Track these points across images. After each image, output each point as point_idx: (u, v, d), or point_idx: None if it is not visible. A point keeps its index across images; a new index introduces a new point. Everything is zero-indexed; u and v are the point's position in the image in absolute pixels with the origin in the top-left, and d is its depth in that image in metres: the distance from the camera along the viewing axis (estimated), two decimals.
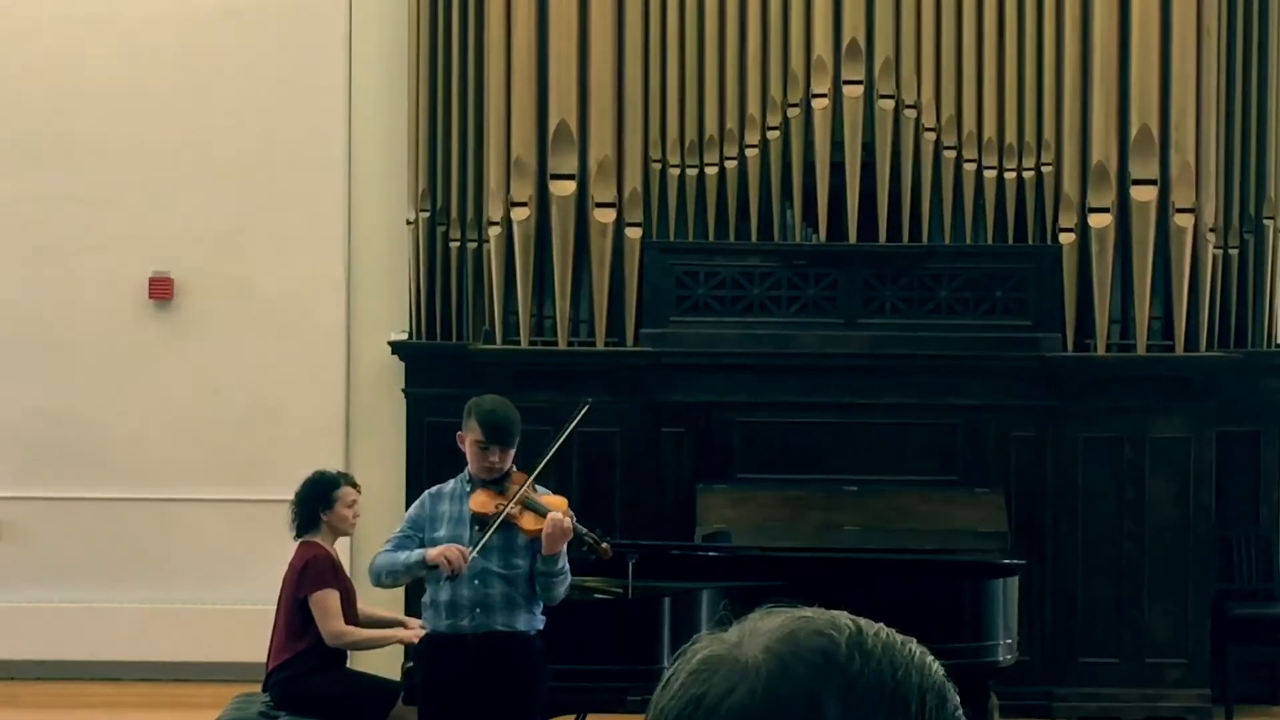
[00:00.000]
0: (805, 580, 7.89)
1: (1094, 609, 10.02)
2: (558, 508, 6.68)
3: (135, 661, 10.52)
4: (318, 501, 7.90)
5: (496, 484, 6.70)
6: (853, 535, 9.44)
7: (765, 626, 1.37)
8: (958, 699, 1.37)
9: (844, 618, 1.37)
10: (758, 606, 1.42)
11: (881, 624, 1.39)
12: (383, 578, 6.78)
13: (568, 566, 6.71)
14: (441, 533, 6.70)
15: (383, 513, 9.00)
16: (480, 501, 6.67)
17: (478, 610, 6.64)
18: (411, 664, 7.64)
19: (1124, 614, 10.02)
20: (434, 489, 6.89)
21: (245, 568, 10.39)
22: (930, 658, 1.38)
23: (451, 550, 6.57)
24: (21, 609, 10.61)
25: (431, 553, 6.60)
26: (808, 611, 1.38)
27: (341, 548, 8.36)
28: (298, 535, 7.92)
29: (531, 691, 6.71)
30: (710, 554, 8.72)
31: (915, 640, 1.39)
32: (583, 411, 7.22)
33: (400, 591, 8.91)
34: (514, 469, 6.76)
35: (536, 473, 6.83)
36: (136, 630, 10.54)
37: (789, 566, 8.23)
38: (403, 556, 6.67)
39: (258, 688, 8.04)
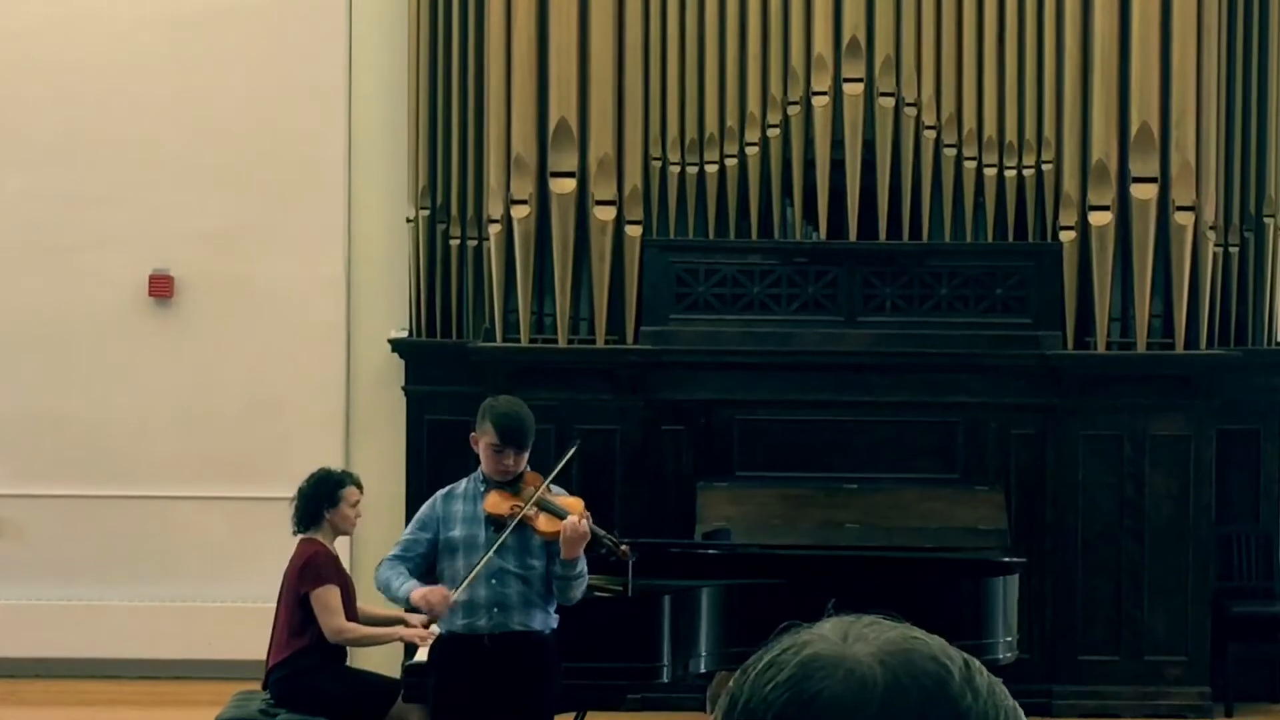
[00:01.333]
0: (806, 578, 7.89)
1: (1094, 607, 10.02)
2: (574, 509, 6.68)
3: (134, 659, 10.52)
4: (322, 499, 7.91)
5: (510, 485, 6.70)
6: (853, 533, 9.44)
7: (874, 635, 1.35)
8: None
9: (952, 649, 1.36)
10: (827, 605, 1.41)
11: (981, 663, 1.38)
12: (381, 592, 6.85)
13: (585, 569, 6.72)
14: (456, 532, 6.70)
15: (383, 510, 9.00)
16: (494, 502, 6.67)
17: (495, 610, 6.64)
18: (422, 662, 7.64)
19: (1124, 612, 10.02)
20: (445, 489, 6.88)
21: (245, 565, 10.39)
22: (1016, 703, 1.38)
23: (434, 595, 6.61)
24: (21, 606, 10.61)
25: (415, 595, 6.64)
26: (916, 631, 1.37)
27: (341, 545, 8.36)
28: (299, 530, 7.92)
29: (546, 691, 6.71)
30: (710, 552, 8.72)
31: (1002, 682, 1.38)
32: (571, 453, 7.20)
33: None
34: (528, 469, 6.76)
35: (552, 475, 6.82)
36: (136, 628, 10.54)
37: (789, 564, 8.23)
38: (395, 584, 6.71)
39: (257, 685, 8.04)
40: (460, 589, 6.65)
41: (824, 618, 1.39)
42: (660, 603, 7.51)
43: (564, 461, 7.01)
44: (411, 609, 6.73)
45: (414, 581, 6.73)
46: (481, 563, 6.59)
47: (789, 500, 9.71)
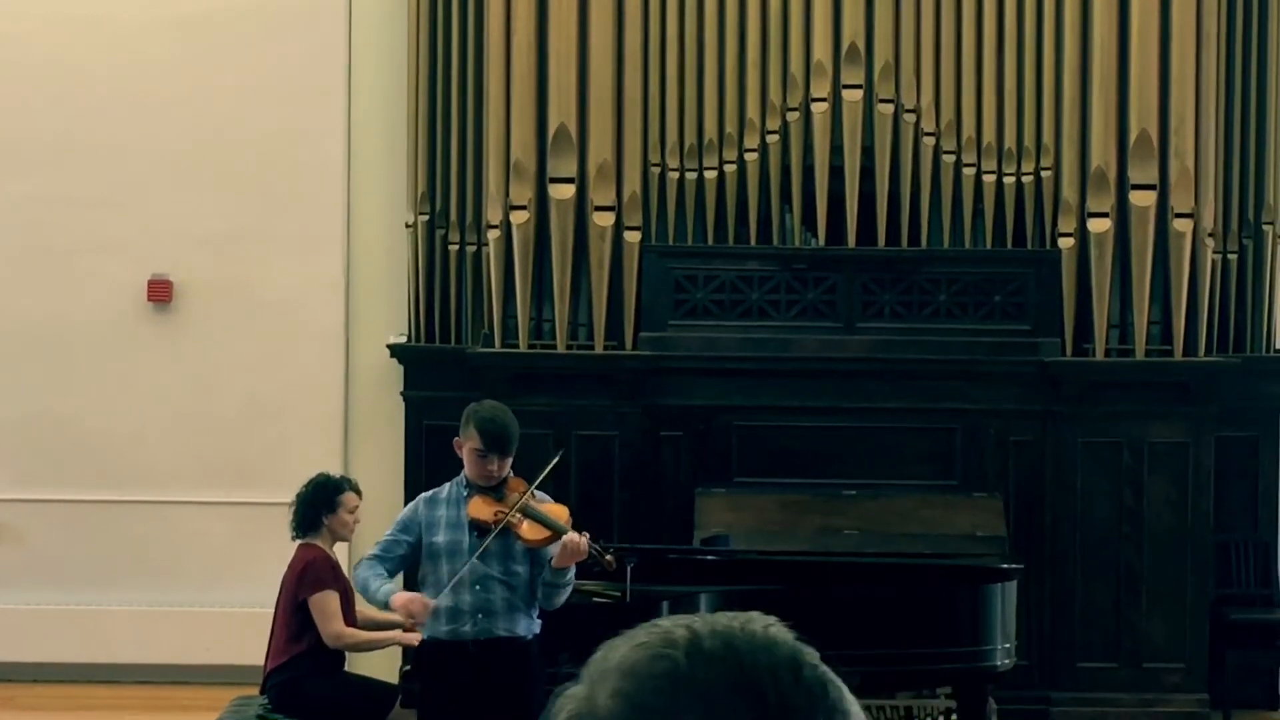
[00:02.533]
0: (804, 584, 7.89)
1: (1092, 613, 10.01)
2: (559, 516, 6.68)
3: (133, 664, 10.52)
4: (321, 504, 7.91)
5: (494, 490, 6.70)
6: (851, 539, 9.43)
7: (611, 664, 1.33)
8: (815, 655, 1.33)
9: (680, 628, 1.32)
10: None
11: (737, 618, 1.34)
12: (361, 593, 6.86)
13: (573, 576, 6.73)
14: (440, 537, 6.71)
15: (381, 515, 8.96)
16: (478, 508, 6.67)
17: (480, 615, 6.65)
18: (409, 668, 7.64)
19: (1122, 618, 10.02)
20: (428, 494, 6.89)
21: (244, 570, 10.38)
22: (776, 628, 1.33)
23: (415, 604, 6.62)
24: (19, 611, 10.61)
25: (395, 599, 6.65)
26: (643, 634, 1.33)
27: (340, 551, 8.36)
28: (297, 535, 7.93)
29: (531, 696, 6.71)
30: (709, 558, 8.72)
31: (757, 616, 1.34)
32: (555, 461, 7.22)
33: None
34: (512, 475, 6.76)
35: (537, 481, 6.82)
36: (135, 632, 10.54)
37: (787, 570, 8.23)
38: (374, 585, 6.72)
39: (256, 690, 8.04)
40: (442, 595, 6.66)
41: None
42: (659, 609, 7.51)
43: (548, 469, 7.01)
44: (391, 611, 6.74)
45: (393, 584, 6.74)
46: (465, 567, 6.59)
47: (788, 506, 9.71)
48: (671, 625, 1.33)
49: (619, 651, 1.34)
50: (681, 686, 1.29)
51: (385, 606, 6.76)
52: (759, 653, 1.31)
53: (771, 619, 1.35)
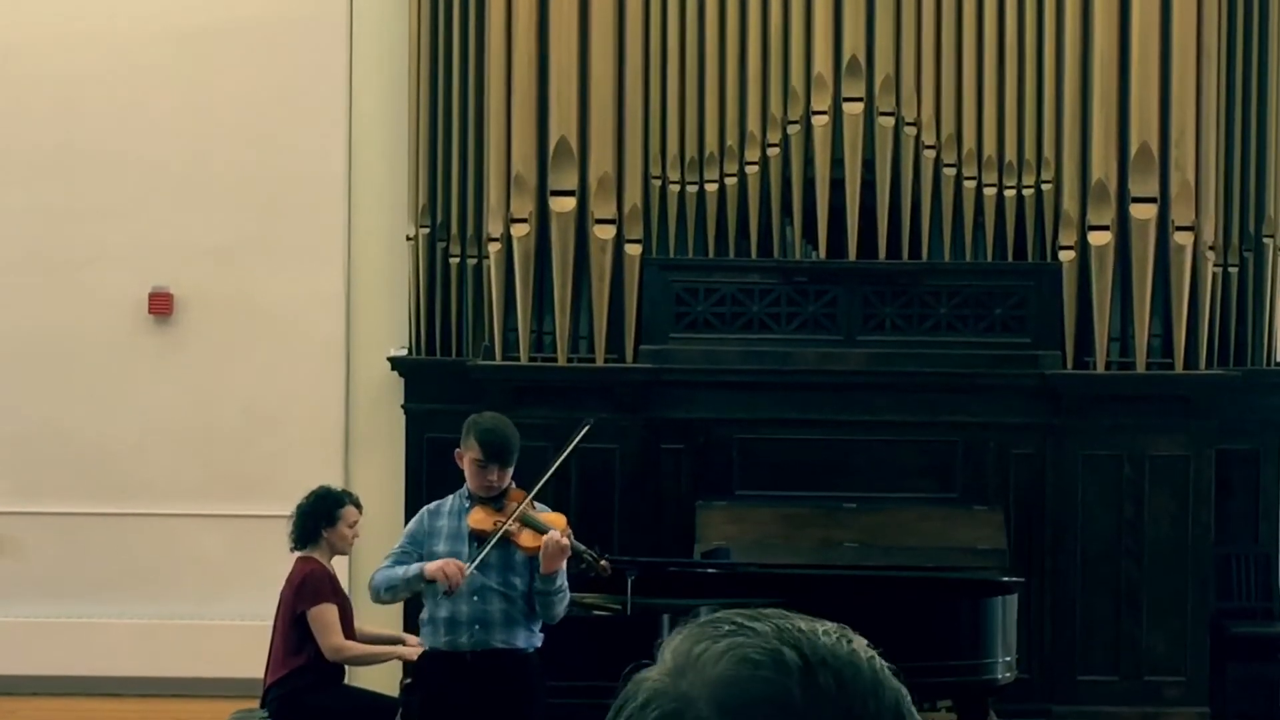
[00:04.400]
0: (804, 597, 7.89)
1: (1093, 627, 10.01)
2: (556, 525, 6.68)
3: (133, 677, 10.51)
4: (320, 517, 7.90)
5: (495, 501, 6.71)
6: (852, 552, 9.43)
7: (706, 667, 1.31)
8: (909, 698, 1.33)
9: (788, 647, 1.31)
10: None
11: (829, 639, 1.32)
12: (381, 593, 6.78)
13: (566, 585, 6.71)
14: (440, 548, 6.71)
15: (381, 528, 8.98)
16: (478, 519, 6.67)
17: (477, 627, 6.63)
18: (409, 680, 7.63)
19: (1123, 632, 10.01)
20: (432, 505, 6.90)
21: (244, 583, 10.37)
22: (877, 661, 1.33)
23: (450, 566, 6.57)
24: (20, 624, 10.60)
25: (429, 567, 6.61)
26: (747, 642, 1.32)
27: (340, 565, 8.36)
28: (295, 547, 7.92)
29: (530, 709, 6.71)
30: (709, 571, 8.72)
31: (864, 646, 1.34)
32: (584, 431, 7.23)
33: (399, 608, 8.90)
34: (513, 486, 6.76)
35: (535, 490, 6.83)
36: (135, 645, 10.53)
37: (788, 583, 8.23)
38: (400, 571, 6.68)
39: (255, 703, 8.03)
40: (440, 605, 6.65)
41: (656, 647, 1.37)
42: (659, 622, 7.51)
43: (545, 477, 7.02)
44: (428, 582, 6.64)
45: (417, 563, 6.70)
46: (489, 545, 6.58)
47: (788, 519, 9.71)
48: (782, 643, 1.31)
49: (715, 652, 1.31)
50: (781, 713, 1.28)
51: (420, 580, 6.67)
52: (869, 697, 1.31)
53: (862, 640, 1.34)
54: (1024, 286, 10.10)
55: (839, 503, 9.78)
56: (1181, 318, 10.06)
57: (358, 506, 8.01)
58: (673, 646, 1.34)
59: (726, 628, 1.33)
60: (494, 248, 10.17)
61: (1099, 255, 10.05)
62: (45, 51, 10.74)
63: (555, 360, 10.12)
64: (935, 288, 10.08)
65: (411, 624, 8.04)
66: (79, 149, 10.70)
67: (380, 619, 8.65)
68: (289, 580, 7.84)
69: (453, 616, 6.64)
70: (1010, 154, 10.21)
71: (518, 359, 10.12)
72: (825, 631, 1.33)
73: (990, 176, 10.20)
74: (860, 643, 1.34)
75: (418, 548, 6.77)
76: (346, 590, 8.24)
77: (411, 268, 10.46)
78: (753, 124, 10.26)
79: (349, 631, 7.83)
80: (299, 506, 7.96)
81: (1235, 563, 10.36)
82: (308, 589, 7.73)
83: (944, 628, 8.09)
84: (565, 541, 6.57)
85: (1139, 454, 10.03)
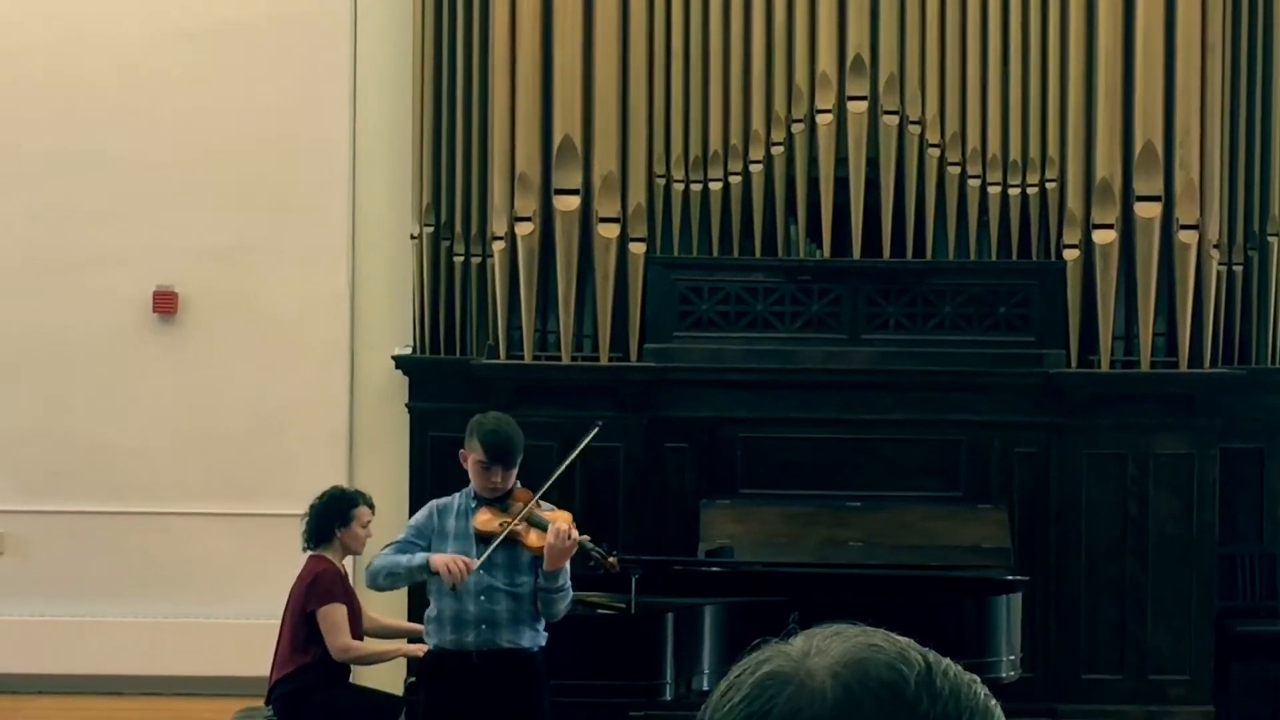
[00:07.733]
0: (808, 596, 7.89)
1: (1097, 626, 10.00)
2: (562, 523, 6.68)
3: (138, 675, 10.52)
4: (335, 517, 7.92)
5: (500, 501, 6.71)
6: (856, 551, 9.43)
7: (834, 648, 1.35)
8: None
9: (914, 651, 1.36)
10: (820, 622, 1.40)
11: (949, 660, 1.38)
12: (380, 579, 6.78)
13: (569, 584, 6.71)
14: (448, 548, 6.71)
15: (386, 527, 8.97)
16: (484, 519, 6.68)
17: (483, 626, 6.64)
18: (414, 679, 7.64)
19: (1127, 631, 10.01)
20: (439, 502, 6.89)
21: (248, 582, 10.38)
22: (993, 702, 1.38)
23: (457, 561, 6.57)
24: (24, 623, 10.61)
25: (436, 559, 6.61)
26: (878, 637, 1.37)
27: (348, 564, 8.36)
28: (308, 546, 7.93)
29: (535, 708, 6.71)
30: (713, 569, 8.72)
31: (979, 680, 1.38)
32: (592, 434, 7.23)
33: (402, 600, 8.91)
34: (518, 485, 6.77)
35: (542, 490, 6.84)
36: (139, 644, 10.53)
37: (792, 582, 8.23)
38: (405, 559, 6.68)
39: (260, 702, 8.03)
40: (446, 604, 6.65)
41: (787, 632, 1.40)
42: (663, 621, 7.52)
43: (553, 478, 7.03)
44: (432, 573, 6.62)
45: (422, 553, 6.69)
46: (495, 543, 6.58)
47: (792, 518, 9.71)
48: (907, 647, 1.37)
49: (847, 641, 1.36)
50: (901, 707, 1.32)
51: (424, 570, 6.67)
52: (977, 714, 1.36)
53: (974, 677, 1.39)
54: (1028, 285, 10.09)
55: (843, 501, 9.78)
56: (1186, 316, 10.05)
57: (370, 506, 8.04)
58: (803, 636, 1.39)
59: (863, 627, 1.40)
60: (498, 246, 10.17)
61: (1103, 254, 10.05)
62: (49, 52, 10.74)
63: (559, 359, 10.13)
64: (939, 286, 10.08)
65: (417, 615, 8.05)
66: (83, 149, 10.70)
67: (384, 610, 8.67)
68: (300, 578, 7.85)
69: (459, 615, 6.65)
70: (1014, 152, 10.21)
71: (522, 358, 10.12)
72: (957, 670, 1.40)
73: (994, 175, 10.19)
74: (980, 684, 1.40)
75: (423, 540, 6.77)
76: (353, 589, 8.24)
77: (416, 267, 10.46)
78: (757, 122, 10.26)
79: (356, 631, 7.84)
80: (312, 506, 7.97)
81: (1240, 562, 10.36)
82: (319, 588, 7.74)
83: (948, 626, 8.08)
84: (575, 535, 6.57)
85: (1143, 453, 10.03)
